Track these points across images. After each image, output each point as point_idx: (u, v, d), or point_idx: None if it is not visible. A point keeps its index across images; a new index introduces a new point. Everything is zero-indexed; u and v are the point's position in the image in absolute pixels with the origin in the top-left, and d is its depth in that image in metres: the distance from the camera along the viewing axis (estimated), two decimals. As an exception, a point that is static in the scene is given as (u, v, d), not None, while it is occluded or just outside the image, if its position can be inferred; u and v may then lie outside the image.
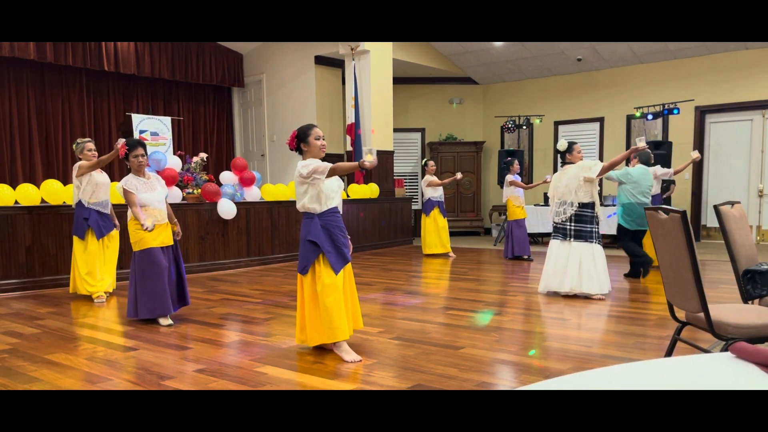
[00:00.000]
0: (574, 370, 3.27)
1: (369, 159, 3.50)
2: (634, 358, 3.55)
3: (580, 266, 5.37)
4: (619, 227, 6.64)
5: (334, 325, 3.52)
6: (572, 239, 5.44)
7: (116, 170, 9.35)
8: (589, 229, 5.40)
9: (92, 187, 5.50)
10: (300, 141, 3.61)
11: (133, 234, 4.54)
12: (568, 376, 1.26)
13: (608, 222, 8.94)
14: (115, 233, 5.71)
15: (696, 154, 6.96)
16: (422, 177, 9.60)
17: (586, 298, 5.36)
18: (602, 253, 5.43)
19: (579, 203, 5.40)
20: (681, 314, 2.91)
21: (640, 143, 5.21)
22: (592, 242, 5.39)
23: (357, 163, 3.52)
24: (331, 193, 3.59)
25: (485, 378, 3.24)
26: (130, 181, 4.56)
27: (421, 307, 5.18)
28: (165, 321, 4.55)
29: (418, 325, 4.46)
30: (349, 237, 3.77)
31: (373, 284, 6.33)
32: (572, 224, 5.44)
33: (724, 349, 1.66)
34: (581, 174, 5.35)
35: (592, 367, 3.33)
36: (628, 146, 10.95)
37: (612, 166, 5.35)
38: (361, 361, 3.54)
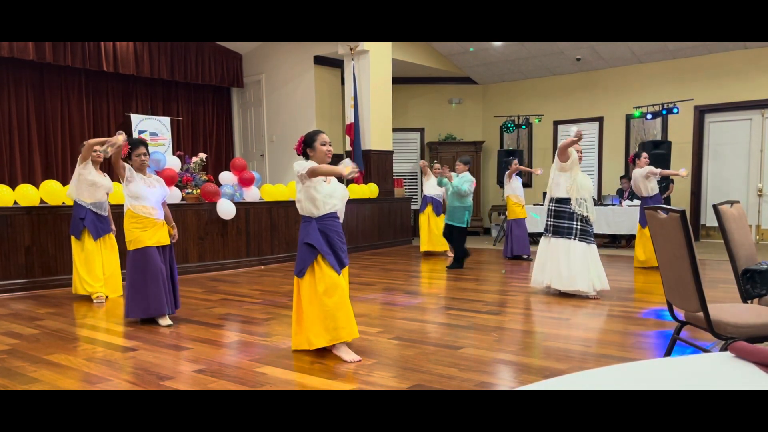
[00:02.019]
0: (574, 370, 3.27)
1: (348, 171, 3.40)
2: (634, 358, 3.56)
3: (553, 262, 5.40)
4: (463, 229, 7.40)
5: (339, 325, 3.52)
6: (551, 235, 5.45)
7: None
8: (567, 225, 5.34)
9: (90, 187, 5.49)
10: (306, 146, 3.67)
11: (128, 233, 4.53)
12: (568, 376, 1.26)
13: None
14: (111, 237, 5.69)
15: (684, 172, 7.06)
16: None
17: (594, 297, 5.35)
18: (582, 251, 5.27)
19: (555, 198, 5.44)
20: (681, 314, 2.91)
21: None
22: (570, 239, 5.32)
23: (339, 169, 3.40)
24: (329, 199, 3.60)
25: (485, 378, 3.24)
26: (131, 169, 4.56)
27: (421, 307, 5.18)
28: (164, 321, 4.54)
29: (417, 325, 4.46)
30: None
31: (372, 284, 6.33)
32: (551, 220, 5.47)
33: (724, 349, 1.66)
34: (554, 166, 5.47)
35: (592, 367, 3.33)
36: (627, 146, 10.96)
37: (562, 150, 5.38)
38: (360, 361, 3.54)
